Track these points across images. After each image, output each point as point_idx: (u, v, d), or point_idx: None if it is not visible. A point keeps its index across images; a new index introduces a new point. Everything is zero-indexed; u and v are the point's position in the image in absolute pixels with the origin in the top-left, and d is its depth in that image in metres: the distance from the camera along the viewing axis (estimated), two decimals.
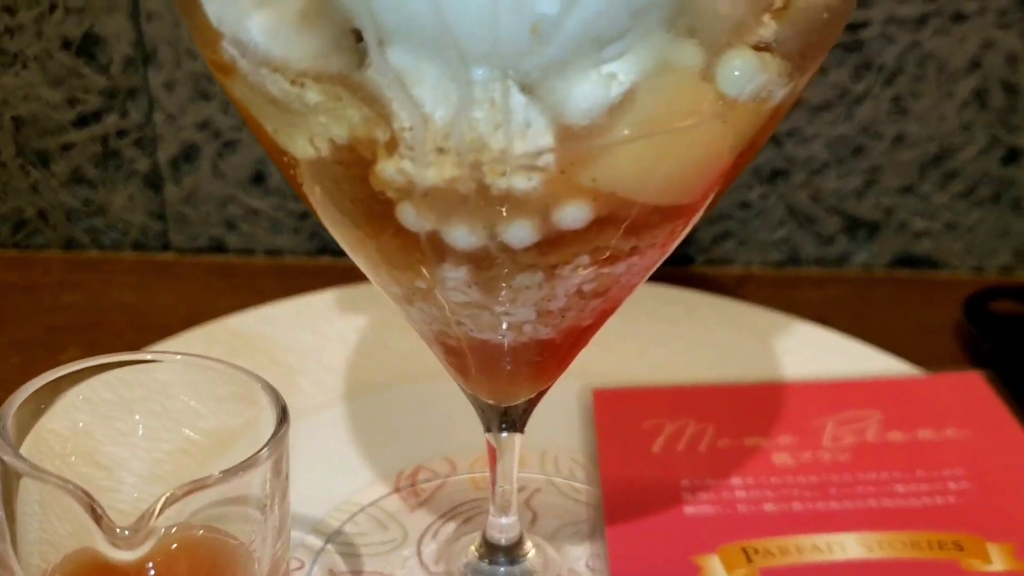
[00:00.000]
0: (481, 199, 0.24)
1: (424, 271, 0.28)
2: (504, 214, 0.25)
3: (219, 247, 0.67)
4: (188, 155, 0.64)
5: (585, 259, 0.27)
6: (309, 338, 0.52)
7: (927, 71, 0.60)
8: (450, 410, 0.42)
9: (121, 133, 0.64)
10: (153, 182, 0.65)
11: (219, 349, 0.50)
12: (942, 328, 0.59)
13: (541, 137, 0.23)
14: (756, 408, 0.47)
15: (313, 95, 0.24)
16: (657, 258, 0.29)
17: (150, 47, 0.62)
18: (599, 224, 0.26)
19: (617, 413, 0.46)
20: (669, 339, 0.52)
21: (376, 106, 0.23)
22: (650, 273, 0.30)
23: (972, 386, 0.48)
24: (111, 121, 0.64)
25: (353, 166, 0.25)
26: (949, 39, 0.59)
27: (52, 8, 0.61)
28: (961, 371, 0.51)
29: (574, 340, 0.31)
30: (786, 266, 0.66)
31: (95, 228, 0.67)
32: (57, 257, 0.67)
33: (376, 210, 0.26)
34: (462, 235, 0.26)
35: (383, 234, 0.27)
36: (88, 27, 0.61)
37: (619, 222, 0.26)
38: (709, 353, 0.51)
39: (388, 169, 0.24)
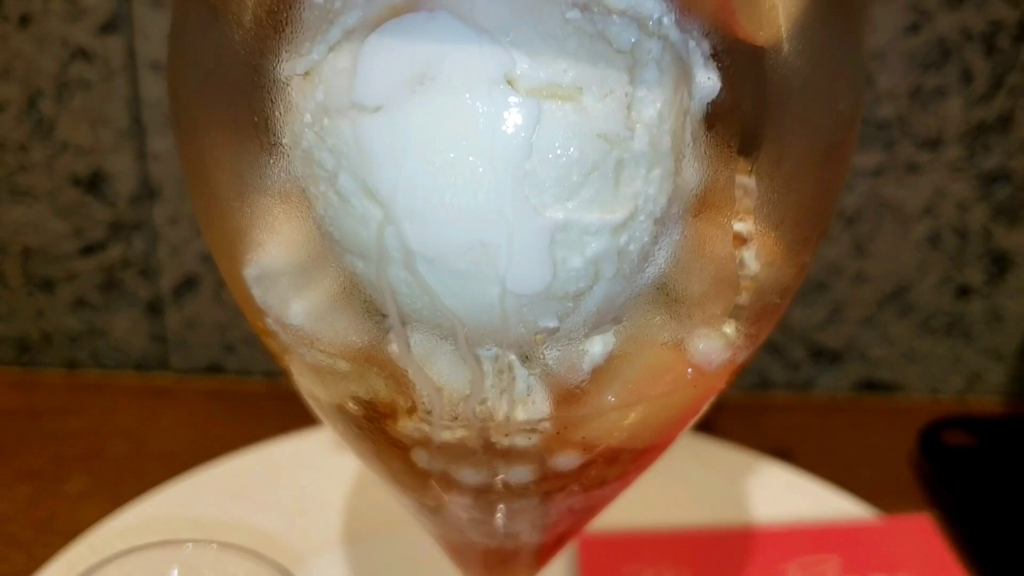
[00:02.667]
0: (487, 451, 0.28)
1: (431, 494, 0.31)
2: (506, 462, 0.28)
3: (218, 368, 0.70)
4: (190, 283, 0.67)
5: (575, 487, 0.31)
6: (309, 477, 0.55)
7: (884, 216, 0.65)
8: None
9: (125, 263, 0.67)
10: (155, 308, 0.68)
11: (223, 491, 0.53)
12: (899, 455, 0.63)
13: (540, 406, 0.27)
14: (727, 552, 0.50)
15: (344, 365, 0.27)
16: (638, 476, 0.33)
17: (156, 184, 0.65)
18: (588, 463, 0.29)
19: (600, 560, 0.49)
20: (645, 478, 0.56)
21: (398, 377, 0.27)
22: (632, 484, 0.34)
23: (922, 531, 0.52)
24: (116, 252, 0.67)
25: (375, 419, 0.28)
26: (904, 188, 0.64)
27: (63, 148, 0.65)
28: (914, 509, 0.55)
29: (563, 538, 0.35)
30: (756, 390, 0.70)
31: (97, 350, 0.70)
32: (59, 379, 0.70)
33: (391, 449, 0.30)
34: (468, 474, 0.29)
35: (395, 464, 0.30)
36: (97, 166, 0.65)
37: (607, 461, 0.30)
38: (683, 493, 0.55)
39: (407, 427, 0.28)
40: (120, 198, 0.66)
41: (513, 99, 0.22)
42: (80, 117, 0.64)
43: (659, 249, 0.25)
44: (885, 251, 0.66)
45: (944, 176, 0.64)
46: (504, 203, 0.23)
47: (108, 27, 0.61)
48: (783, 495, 0.55)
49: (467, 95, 0.22)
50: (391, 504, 0.54)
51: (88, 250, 0.67)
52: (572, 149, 0.23)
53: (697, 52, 0.25)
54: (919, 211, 0.65)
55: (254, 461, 0.56)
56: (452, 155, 0.22)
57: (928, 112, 0.62)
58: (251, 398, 0.68)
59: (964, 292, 0.67)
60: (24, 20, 0.61)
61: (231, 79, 0.25)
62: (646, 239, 0.24)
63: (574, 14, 0.22)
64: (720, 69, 0.25)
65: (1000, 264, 0.66)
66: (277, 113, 0.24)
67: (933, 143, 0.63)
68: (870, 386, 0.70)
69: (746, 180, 0.29)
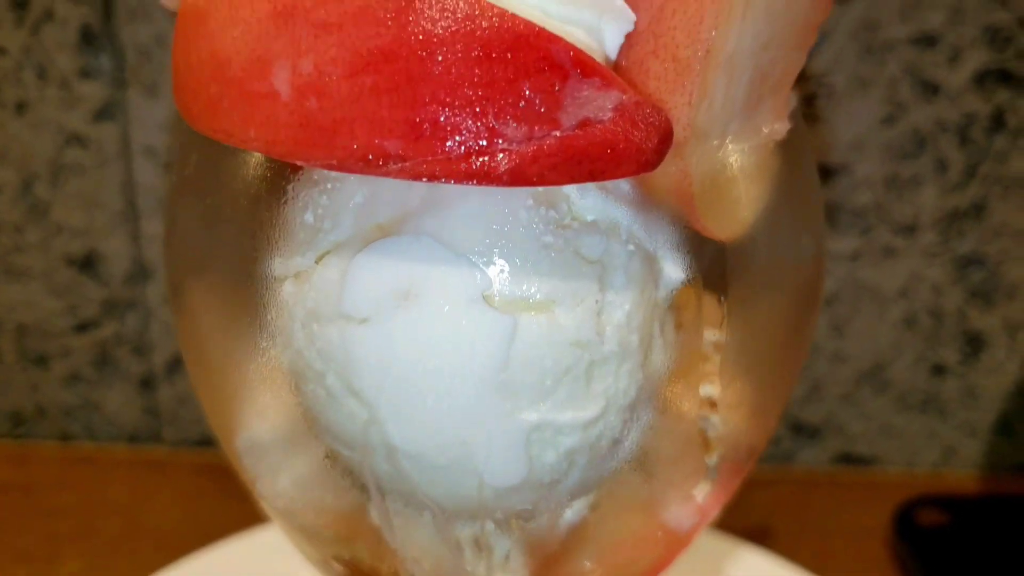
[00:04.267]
0: None
1: None
2: None
3: (209, 442, 0.71)
4: (181, 360, 0.69)
5: None
6: (301, 565, 0.56)
7: (861, 298, 0.67)
8: None
9: (119, 340, 0.68)
10: (148, 383, 0.70)
11: None
12: (877, 530, 0.65)
13: (518, 574, 0.28)
14: None
15: (328, 532, 0.29)
16: None
17: (149, 265, 0.67)
18: None
19: None
20: None
21: (380, 545, 0.28)
22: None
23: None
24: (109, 329, 0.68)
25: None
26: (881, 271, 0.66)
27: (58, 229, 0.66)
28: None
29: None
30: None
31: (91, 424, 0.71)
32: (53, 451, 0.71)
33: None
34: None
35: None
36: (91, 247, 0.66)
37: None
38: None
39: None
40: (114, 278, 0.67)
41: (490, 315, 0.24)
42: (75, 200, 0.65)
43: (630, 431, 0.27)
44: (862, 331, 0.67)
45: (920, 260, 0.66)
46: (482, 408, 0.24)
47: (103, 114, 0.63)
48: None
49: (448, 311, 0.23)
50: None
51: (82, 327, 0.68)
52: (546, 359, 0.24)
53: (664, 246, 0.26)
54: (895, 293, 0.66)
55: (246, 547, 0.57)
56: (433, 365, 0.24)
57: (904, 200, 0.64)
58: None
59: (939, 371, 0.68)
60: (20, 107, 0.63)
61: (225, 274, 0.26)
62: (617, 428, 0.26)
63: (548, 239, 0.24)
64: (685, 258, 0.27)
65: (974, 344, 0.68)
66: (270, 316, 0.25)
67: (909, 229, 0.65)
68: (848, 460, 0.71)
69: (715, 337, 0.30)
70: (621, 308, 0.25)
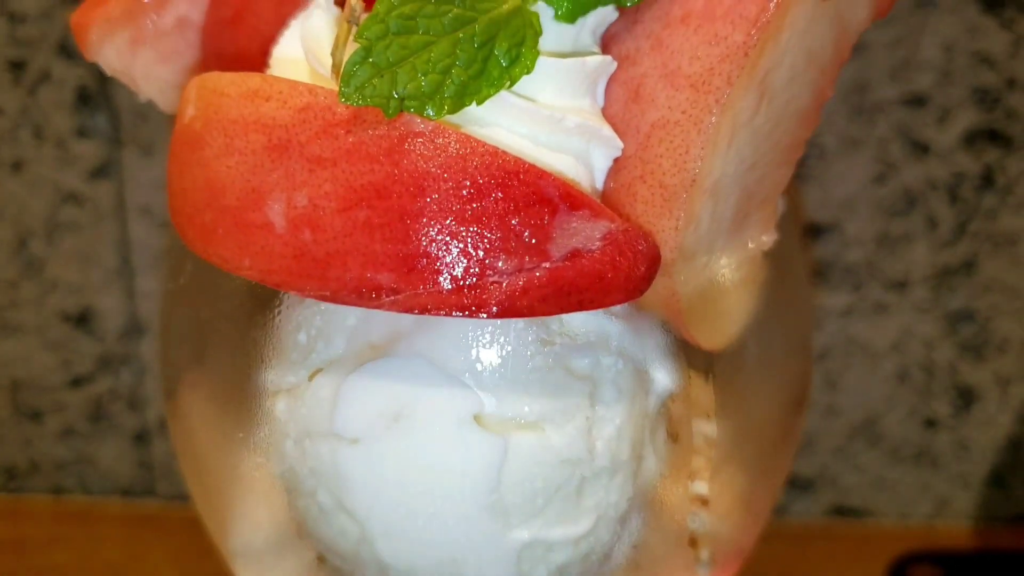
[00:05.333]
0: None
1: None
2: None
3: None
4: None
5: None
6: None
7: (854, 353, 0.67)
8: None
9: (113, 395, 0.69)
10: (142, 438, 0.70)
11: None
12: None
13: None
14: None
15: None
16: None
17: (144, 321, 0.67)
18: None
19: None
20: None
21: None
22: None
23: None
24: (104, 385, 0.68)
25: None
26: (873, 326, 0.66)
27: (53, 286, 0.66)
28: None
29: None
30: None
31: (84, 477, 0.71)
32: (46, 506, 0.71)
33: None
34: None
35: None
36: (86, 304, 0.66)
37: None
38: None
39: None
40: (108, 334, 0.67)
41: (481, 437, 0.24)
42: (70, 257, 0.65)
43: (622, 540, 0.27)
44: (855, 385, 0.68)
45: (911, 316, 0.66)
46: (473, 528, 0.24)
47: (98, 173, 0.63)
48: None
49: (438, 433, 0.24)
50: None
51: (76, 383, 0.68)
52: (537, 478, 0.24)
53: (653, 354, 0.27)
54: (887, 348, 0.67)
55: None
56: (424, 486, 0.24)
57: (895, 256, 0.65)
58: None
59: (931, 424, 0.69)
60: (16, 165, 0.63)
61: (218, 385, 0.26)
62: (609, 540, 0.26)
63: (538, 359, 0.24)
64: (675, 364, 0.27)
65: (966, 398, 0.68)
66: (263, 432, 0.25)
67: (900, 285, 0.65)
68: (841, 512, 0.72)
69: (707, 430, 0.31)
70: (612, 422, 0.25)
